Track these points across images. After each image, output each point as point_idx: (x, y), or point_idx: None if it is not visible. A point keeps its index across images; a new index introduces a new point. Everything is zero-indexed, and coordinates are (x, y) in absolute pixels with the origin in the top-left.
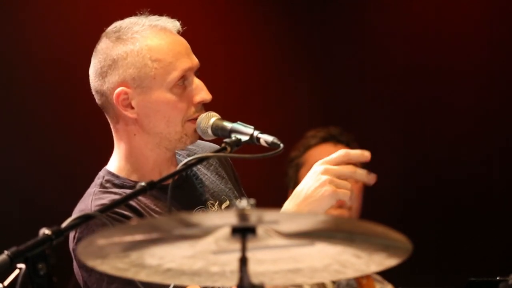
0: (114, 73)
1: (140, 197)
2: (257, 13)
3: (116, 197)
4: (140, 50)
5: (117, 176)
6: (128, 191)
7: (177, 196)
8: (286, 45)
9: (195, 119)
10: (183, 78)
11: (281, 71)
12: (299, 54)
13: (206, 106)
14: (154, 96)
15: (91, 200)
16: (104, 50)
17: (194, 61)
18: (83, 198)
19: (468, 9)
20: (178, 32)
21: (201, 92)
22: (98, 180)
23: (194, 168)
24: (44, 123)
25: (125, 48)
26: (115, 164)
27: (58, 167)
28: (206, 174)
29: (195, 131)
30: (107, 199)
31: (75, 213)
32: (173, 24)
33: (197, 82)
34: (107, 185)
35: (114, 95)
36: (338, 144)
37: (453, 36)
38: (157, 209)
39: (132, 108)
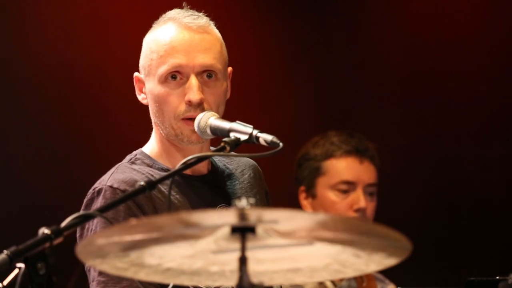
0: (140, 58)
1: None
2: (257, 12)
3: (137, 175)
4: (149, 41)
5: (148, 156)
6: (156, 171)
7: (207, 187)
8: (286, 45)
9: (189, 118)
10: (178, 73)
11: (281, 70)
12: (299, 54)
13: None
14: (150, 86)
15: (111, 173)
16: None
17: (195, 60)
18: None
19: (468, 10)
20: (205, 30)
21: (190, 92)
22: (128, 156)
23: (228, 169)
24: (44, 123)
25: (146, 38)
26: (149, 145)
27: (58, 167)
28: (238, 179)
29: (192, 131)
30: (126, 175)
31: (94, 185)
32: (192, 20)
33: (192, 82)
34: (137, 162)
35: (134, 79)
36: (364, 159)
37: (453, 37)
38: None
39: (144, 93)
